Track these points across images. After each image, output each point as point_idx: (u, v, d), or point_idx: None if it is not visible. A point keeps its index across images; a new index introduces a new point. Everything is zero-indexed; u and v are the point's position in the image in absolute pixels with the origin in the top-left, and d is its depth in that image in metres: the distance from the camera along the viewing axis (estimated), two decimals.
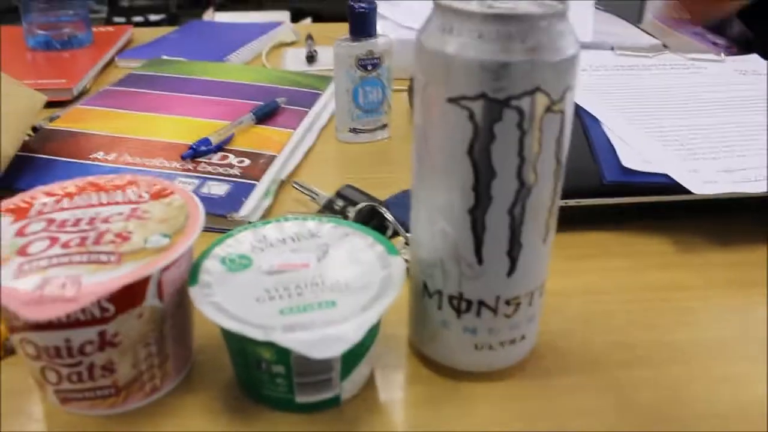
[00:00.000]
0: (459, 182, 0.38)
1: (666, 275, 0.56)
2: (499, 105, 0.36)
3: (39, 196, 0.45)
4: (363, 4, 0.74)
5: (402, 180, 0.70)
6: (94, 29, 1.19)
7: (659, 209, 0.63)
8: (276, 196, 0.66)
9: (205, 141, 0.70)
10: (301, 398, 0.41)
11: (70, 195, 0.45)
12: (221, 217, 0.60)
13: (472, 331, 0.43)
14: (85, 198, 0.45)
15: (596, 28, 1.06)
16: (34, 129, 0.78)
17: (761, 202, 0.61)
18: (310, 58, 1.10)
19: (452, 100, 0.37)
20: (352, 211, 0.58)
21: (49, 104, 0.79)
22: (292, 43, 1.24)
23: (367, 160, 0.76)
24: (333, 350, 0.36)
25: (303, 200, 0.66)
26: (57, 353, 0.39)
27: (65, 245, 0.40)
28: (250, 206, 0.61)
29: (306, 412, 0.42)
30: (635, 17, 1.42)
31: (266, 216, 0.63)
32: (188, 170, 0.67)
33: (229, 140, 0.73)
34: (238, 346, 0.40)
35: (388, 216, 0.55)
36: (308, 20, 1.33)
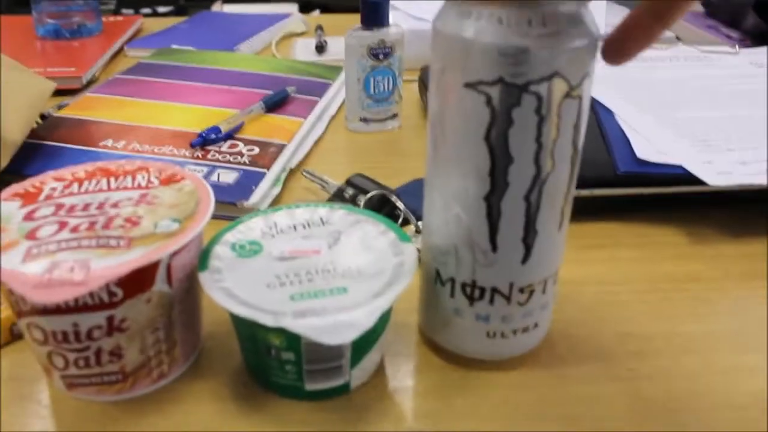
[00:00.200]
0: (475, 168, 0.38)
1: (679, 266, 0.55)
2: (517, 90, 0.35)
3: (48, 181, 0.45)
4: None
5: (412, 169, 0.70)
6: (104, 19, 1.19)
7: (672, 200, 0.62)
8: (285, 185, 0.66)
9: (215, 129, 0.70)
10: (310, 385, 0.41)
11: (79, 180, 0.45)
12: (231, 204, 0.59)
13: (484, 318, 0.42)
14: (95, 183, 0.45)
15: (608, 21, 1.05)
16: (43, 116, 0.77)
17: None
18: (320, 48, 1.09)
19: (469, 85, 0.36)
20: (362, 200, 0.57)
21: (58, 92, 0.79)
22: (301, 34, 1.23)
23: (377, 149, 0.76)
24: (344, 336, 0.35)
25: (313, 189, 0.66)
26: (64, 338, 0.39)
27: (74, 229, 0.40)
28: (260, 194, 0.61)
29: (315, 399, 0.42)
30: None
31: (275, 204, 0.63)
32: (198, 158, 0.67)
33: (238, 128, 0.72)
34: (248, 332, 0.40)
35: (399, 204, 0.55)
36: (317, 12, 1.32)
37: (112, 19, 1.24)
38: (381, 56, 0.75)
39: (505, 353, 0.44)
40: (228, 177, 0.63)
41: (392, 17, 0.77)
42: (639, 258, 0.57)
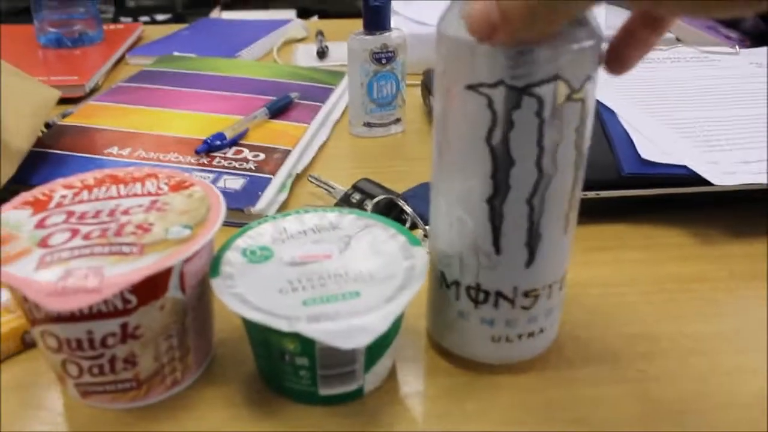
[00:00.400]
0: (477, 171, 0.38)
1: (685, 267, 0.56)
2: (517, 92, 0.36)
3: (57, 189, 0.45)
4: None
5: (417, 173, 0.70)
6: (104, 27, 1.19)
7: (677, 201, 0.62)
8: (291, 190, 0.66)
9: (220, 135, 0.70)
10: (324, 390, 0.41)
11: (88, 187, 0.45)
12: (238, 210, 0.59)
13: (489, 322, 0.42)
14: (104, 190, 0.45)
15: (608, 23, 1.05)
16: (47, 125, 0.78)
17: None
18: (321, 54, 1.10)
19: (471, 87, 0.36)
20: (369, 204, 0.58)
21: (62, 101, 0.79)
22: (302, 39, 1.24)
23: (382, 154, 0.76)
24: (359, 341, 0.36)
25: (319, 194, 0.66)
26: (79, 346, 0.39)
27: (86, 237, 0.40)
28: (266, 200, 0.61)
29: (328, 404, 0.42)
30: None
31: (282, 210, 0.63)
32: (203, 165, 0.67)
33: (243, 135, 0.72)
34: (261, 337, 0.40)
35: (407, 208, 0.55)
36: (315, 18, 1.33)
37: (112, 27, 1.24)
38: (384, 60, 0.76)
39: (512, 357, 0.44)
40: (234, 183, 0.63)
41: (393, 21, 0.77)
42: (644, 259, 0.57)
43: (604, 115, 0.69)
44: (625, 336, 0.48)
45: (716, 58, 0.88)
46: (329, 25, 1.28)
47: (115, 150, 0.69)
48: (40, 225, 0.41)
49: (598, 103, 0.71)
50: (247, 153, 0.69)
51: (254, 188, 0.62)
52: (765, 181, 0.58)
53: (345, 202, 0.60)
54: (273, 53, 1.14)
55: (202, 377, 0.44)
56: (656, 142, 0.64)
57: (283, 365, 0.40)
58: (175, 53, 1.04)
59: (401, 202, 0.56)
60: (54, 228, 0.41)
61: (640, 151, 0.62)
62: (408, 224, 0.56)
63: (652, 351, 0.46)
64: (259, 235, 0.44)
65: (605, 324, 0.49)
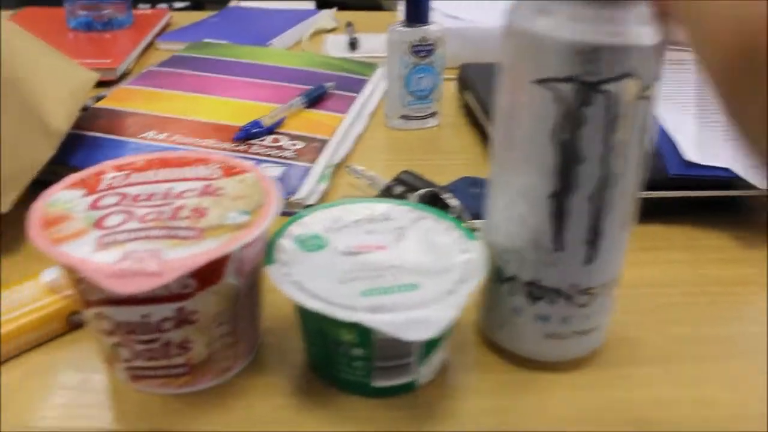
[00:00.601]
0: (542, 166, 0.38)
1: (727, 270, 0.55)
2: (589, 89, 0.35)
3: (108, 171, 0.45)
4: None
5: (455, 167, 0.69)
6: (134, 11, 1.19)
7: (720, 203, 0.62)
8: (330, 181, 0.66)
9: (257, 123, 0.69)
10: (377, 382, 0.40)
11: (138, 170, 0.45)
12: None
13: (544, 319, 0.42)
14: (155, 173, 0.44)
15: None
16: (82, 108, 0.77)
17: None
18: (353, 45, 1.09)
19: (540, 82, 0.36)
20: (412, 197, 0.57)
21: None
22: (331, 30, 1.23)
23: (418, 146, 0.75)
24: (423, 333, 0.35)
25: (358, 185, 0.65)
26: (133, 329, 0.38)
27: (142, 219, 0.39)
28: (307, 189, 0.61)
29: (380, 396, 0.41)
30: None
31: (323, 200, 0.62)
32: (241, 152, 0.66)
33: (280, 123, 0.72)
34: (316, 327, 0.40)
35: (453, 201, 0.54)
36: (334, 10, 1.32)
37: (140, 12, 1.23)
38: (423, 53, 0.75)
39: (565, 355, 0.44)
40: (273, 171, 0.63)
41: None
42: (687, 260, 0.56)
43: None
44: (674, 337, 0.47)
45: None
46: (354, 16, 1.27)
47: (151, 134, 0.69)
48: (94, 206, 0.41)
49: None
50: (284, 141, 0.69)
51: (293, 177, 0.62)
52: None
53: (387, 193, 0.60)
54: (303, 42, 1.13)
55: (249, 365, 0.44)
56: (698, 144, 0.63)
57: (337, 355, 0.40)
58: (207, 40, 1.03)
59: (446, 195, 0.55)
60: (108, 209, 0.40)
61: (684, 153, 0.61)
62: None
63: (702, 354, 0.46)
64: (311, 223, 0.44)
65: (653, 324, 0.48)
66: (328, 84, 0.82)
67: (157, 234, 0.38)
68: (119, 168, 0.45)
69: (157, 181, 0.43)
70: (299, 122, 0.74)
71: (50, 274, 0.47)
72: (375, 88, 0.89)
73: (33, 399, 0.41)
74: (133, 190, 0.42)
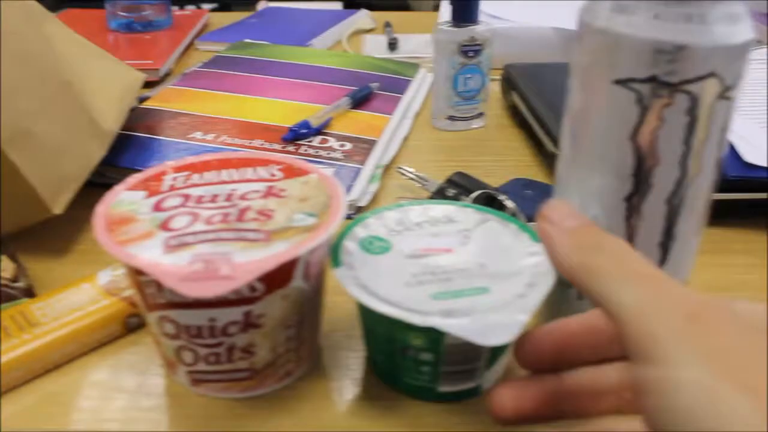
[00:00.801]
0: (618, 168, 0.37)
1: None
2: (670, 89, 0.34)
3: (168, 171, 0.44)
4: None
5: (504, 169, 0.68)
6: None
7: None
8: (380, 182, 0.65)
9: (305, 123, 0.69)
10: (443, 387, 0.40)
11: (198, 171, 0.44)
12: None
13: None
14: (216, 174, 0.44)
15: None
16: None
17: None
18: (392, 45, 1.08)
19: (620, 82, 0.35)
20: (467, 199, 0.56)
21: None
22: (369, 30, 1.22)
23: (465, 148, 0.74)
24: (501, 337, 0.34)
25: (409, 186, 0.64)
26: (198, 333, 0.38)
27: (208, 221, 0.39)
28: (359, 190, 0.60)
29: (444, 401, 0.40)
30: None
31: (375, 201, 0.62)
32: (290, 153, 0.66)
33: (327, 124, 0.71)
34: (384, 331, 0.39)
35: (509, 203, 0.53)
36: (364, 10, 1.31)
37: (178, 13, 1.23)
38: (471, 54, 0.74)
39: None
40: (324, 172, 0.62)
41: None
42: (748, 264, 0.55)
43: None
44: None
45: None
46: (385, 16, 1.26)
47: (199, 135, 0.68)
48: (158, 208, 0.40)
49: None
50: (332, 142, 0.68)
51: (344, 178, 0.61)
52: None
53: (440, 195, 0.59)
54: (342, 43, 1.13)
55: (310, 369, 0.43)
56: (756, 145, 0.62)
57: (404, 360, 0.39)
58: (247, 40, 1.03)
59: (502, 197, 0.54)
60: (173, 211, 0.40)
61: (743, 155, 0.60)
62: None
63: None
64: (374, 225, 0.43)
65: None
66: (374, 84, 0.81)
67: (226, 236, 0.37)
68: (179, 169, 0.44)
69: (219, 183, 0.43)
70: (346, 123, 0.73)
71: (106, 276, 0.46)
72: (418, 89, 0.88)
73: (94, 402, 0.41)
74: (196, 192, 0.42)
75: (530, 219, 0.53)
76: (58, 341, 0.42)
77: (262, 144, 0.67)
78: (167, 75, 0.96)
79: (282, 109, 0.76)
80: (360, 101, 0.78)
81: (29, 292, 0.47)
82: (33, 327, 0.42)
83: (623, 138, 0.36)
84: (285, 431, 0.39)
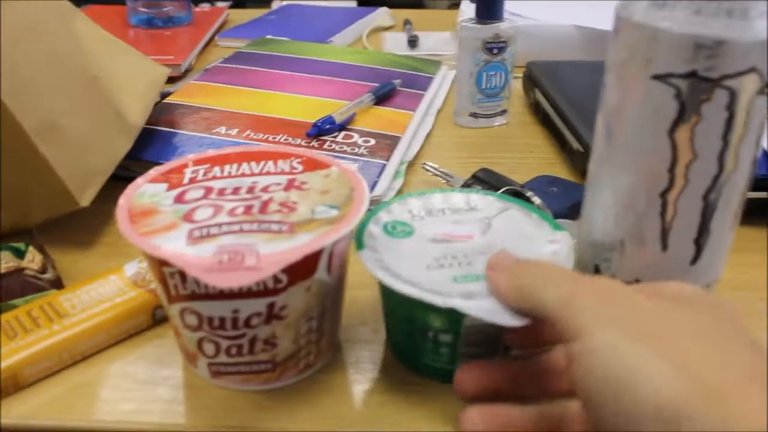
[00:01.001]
0: (654, 163, 0.36)
1: None
2: (710, 84, 0.34)
3: (189, 164, 0.44)
4: None
5: (527, 166, 0.68)
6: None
7: None
8: (404, 178, 0.65)
9: (329, 119, 0.69)
10: None
11: (219, 164, 0.44)
12: None
13: None
14: (237, 167, 0.44)
15: None
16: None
17: None
18: (412, 43, 1.08)
19: (658, 78, 0.35)
20: None
21: None
22: (388, 28, 1.22)
23: (488, 144, 0.74)
24: (521, 318, 0.34)
25: (434, 182, 0.64)
26: (221, 324, 0.38)
27: (231, 213, 0.39)
28: (383, 186, 0.60)
29: None
30: None
31: None
32: (314, 148, 0.66)
33: (350, 120, 0.71)
34: (405, 312, 0.39)
35: (536, 200, 0.53)
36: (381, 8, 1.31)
37: (197, 9, 1.24)
38: (495, 51, 0.74)
39: None
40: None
41: None
42: (749, 263, 0.54)
43: None
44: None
45: None
46: (404, 14, 1.26)
47: (222, 129, 0.68)
48: (180, 200, 0.40)
49: None
50: (356, 138, 0.68)
51: (369, 174, 0.61)
52: None
53: None
54: (363, 40, 1.13)
55: (329, 362, 0.43)
56: None
57: (424, 342, 0.39)
58: (268, 36, 1.03)
59: (529, 194, 0.54)
60: (195, 203, 0.40)
61: None
62: None
63: None
64: (397, 211, 0.44)
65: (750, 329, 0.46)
66: (396, 81, 0.81)
67: (250, 228, 0.37)
68: (199, 162, 0.44)
69: (240, 175, 0.43)
70: (369, 119, 0.73)
71: (132, 268, 0.46)
72: (440, 86, 0.88)
73: (121, 394, 0.41)
74: (217, 184, 0.42)
75: (556, 216, 0.53)
76: (86, 332, 0.42)
77: (286, 139, 0.67)
78: (188, 71, 0.96)
79: (304, 104, 0.76)
80: (383, 98, 0.78)
81: (57, 284, 0.47)
82: (62, 318, 0.42)
83: (661, 133, 0.36)
84: (306, 424, 0.39)
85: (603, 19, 0.94)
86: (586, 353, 0.29)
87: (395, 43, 1.10)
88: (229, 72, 0.85)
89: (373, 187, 0.59)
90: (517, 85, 0.88)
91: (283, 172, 0.43)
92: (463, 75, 0.75)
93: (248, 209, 0.39)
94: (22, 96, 0.47)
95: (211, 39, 1.12)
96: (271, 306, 0.37)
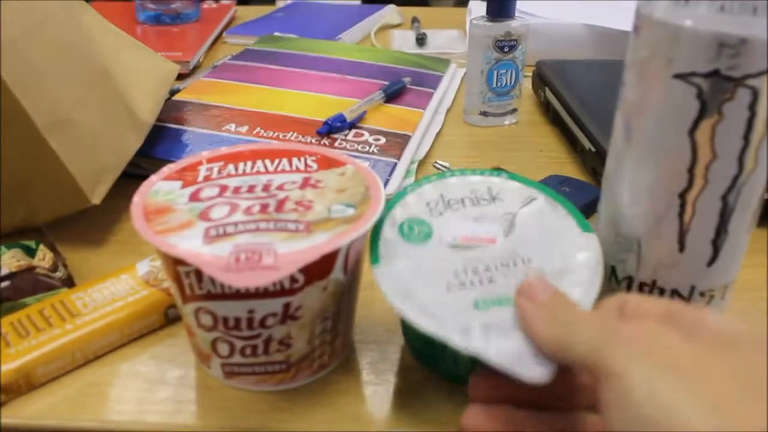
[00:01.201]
0: (673, 162, 0.36)
1: None
2: (732, 83, 0.33)
3: (203, 162, 0.44)
4: None
5: (538, 165, 0.68)
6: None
7: None
8: (415, 177, 0.64)
9: (340, 117, 0.68)
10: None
11: (233, 162, 0.44)
12: None
13: None
14: (251, 165, 0.43)
15: None
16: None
17: None
18: (421, 41, 1.08)
19: (680, 77, 0.34)
20: None
21: None
22: (397, 26, 1.22)
23: (499, 143, 0.74)
24: (539, 373, 0.33)
25: None
26: (236, 324, 0.37)
27: (247, 211, 0.38)
28: (395, 184, 0.60)
29: None
30: None
31: None
32: (325, 146, 0.65)
33: (361, 117, 0.71)
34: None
35: None
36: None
37: (205, 6, 1.23)
38: (506, 49, 0.73)
39: None
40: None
41: None
42: (750, 265, 0.53)
43: None
44: None
45: None
46: (411, 12, 1.26)
47: (233, 127, 0.68)
48: (195, 198, 0.40)
49: None
50: (367, 136, 0.68)
51: (380, 172, 0.61)
52: None
53: None
54: (371, 38, 1.12)
55: (343, 363, 0.43)
56: None
57: (443, 351, 0.38)
58: (277, 34, 1.03)
59: None
60: (210, 201, 0.39)
61: None
62: None
63: None
64: (413, 204, 0.42)
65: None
66: (406, 79, 0.80)
67: (266, 227, 0.37)
68: (213, 159, 0.44)
69: (255, 173, 0.42)
70: (379, 117, 0.72)
71: (144, 267, 0.46)
72: (450, 84, 0.88)
73: (133, 393, 0.40)
74: (232, 182, 0.41)
75: None
76: (99, 331, 0.42)
77: (296, 137, 0.67)
78: (197, 68, 0.96)
79: (314, 102, 0.75)
80: (393, 96, 0.77)
81: (69, 282, 0.47)
82: (74, 317, 0.42)
83: (681, 133, 0.35)
84: (321, 425, 0.39)
85: (613, 18, 0.93)
86: (622, 393, 0.28)
87: (403, 41, 1.10)
88: (238, 69, 0.85)
89: (384, 185, 0.59)
90: (526, 84, 0.87)
91: (298, 170, 0.43)
92: (474, 73, 0.75)
93: (264, 208, 0.39)
94: (33, 89, 0.47)
95: (219, 36, 1.12)
96: (286, 306, 0.37)
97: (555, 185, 0.59)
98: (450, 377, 0.40)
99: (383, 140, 0.67)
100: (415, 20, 1.18)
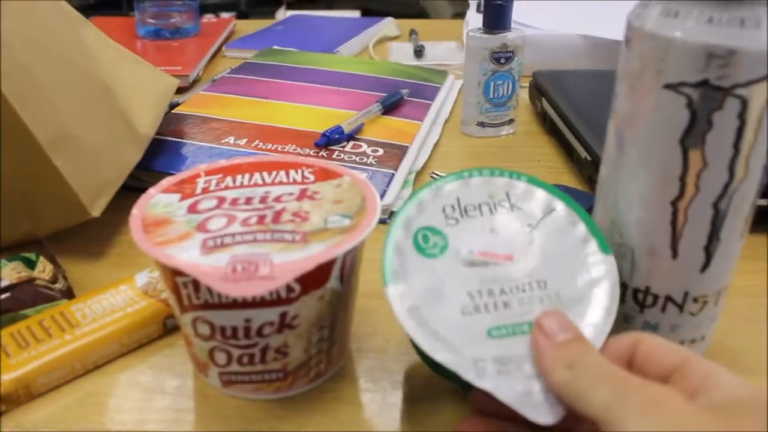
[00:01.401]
0: (665, 171, 0.36)
1: None
2: (722, 93, 0.34)
3: (201, 174, 0.44)
4: None
5: (535, 175, 0.66)
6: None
7: None
8: (413, 188, 0.65)
9: (338, 129, 0.69)
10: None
11: (231, 174, 0.44)
12: None
13: (653, 327, 0.41)
14: (249, 177, 0.44)
15: None
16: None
17: None
18: (418, 53, 1.08)
19: (670, 87, 0.35)
20: None
21: None
22: (395, 38, 1.23)
23: (496, 154, 0.74)
24: (551, 415, 0.33)
25: None
26: (233, 333, 0.38)
27: (245, 223, 0.39)
28: (392, 195, 0.60)
29: None
30: None
31: None
32: (323, 158, 0.66)
33: (358, 129, 0.71)
34: None
35: None
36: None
37: (205, 20, 1.24)
38: (503, 60, 0.74)
39: None
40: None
41: None
42: (749, 271, 0.53)
43: None
44: None
45: None
46: (409, 24, 1.26)
47: (231, 140, 0.69)
48: (193, 210, 0.40)
49: None
50: (365, 148, 0.68)
51: (378, 183, 0.61)
52: None
53: None
54: (369, 50, 1.13)
55: (340, 371, 0.44)
56: None
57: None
58: (275, 47, 1.03)
59: None
60: (208, 213, 0.40)
61: None
62: None
63: None
64: (430, 208, 0.40)
65: (755, 335, 0.47)
66: (404, 90, 0.81)
67: (263, 237, 0.37)
68: (211, 172, 0.44)
69: (252, 185, 0.43)
70: (377, 129, 0.73)
71: (143, 278, 0.47)
72: (447, 96, 0.88)
73: (132, 403, 0.41)
74: (230, 194, 0.42)
75: None
76: (98, 342, 0.43)
77: (295, 149, 0.67)
78: (196, 81, 0.97)
79: (312, 114, 0.76)
80: (390, 107, 0.78)
81: (68, 294, 0.47)
82: (74, 328, 0.43)
83: (672, 142, 0.36)
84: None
85: (608, 29, 0.94)
86: None
87: (401, 53, 1.11)
88: (237, 82, 0.86)
89: (382, 196, 0.59)
90: (523, 95, 0.88)
91: (295, 182, 0.43)
92: (471, 84, 0.76)
93: (261, 219, 0.39)
94: (36, 107, 0.48)
95: (219, 50, 1.13)
96: (283, 315, 0.37)
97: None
98: (464, 388, 0.40)
99: (381, 151, 0.68)
100: (412, 32, 1.19)
